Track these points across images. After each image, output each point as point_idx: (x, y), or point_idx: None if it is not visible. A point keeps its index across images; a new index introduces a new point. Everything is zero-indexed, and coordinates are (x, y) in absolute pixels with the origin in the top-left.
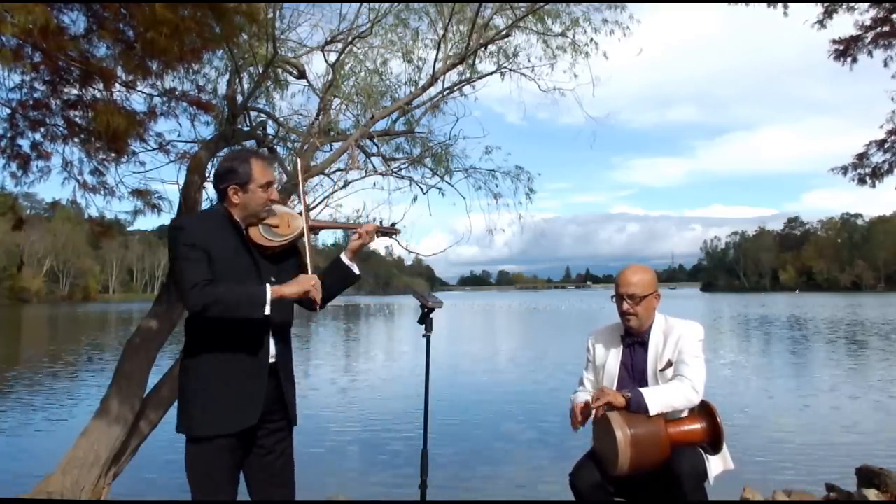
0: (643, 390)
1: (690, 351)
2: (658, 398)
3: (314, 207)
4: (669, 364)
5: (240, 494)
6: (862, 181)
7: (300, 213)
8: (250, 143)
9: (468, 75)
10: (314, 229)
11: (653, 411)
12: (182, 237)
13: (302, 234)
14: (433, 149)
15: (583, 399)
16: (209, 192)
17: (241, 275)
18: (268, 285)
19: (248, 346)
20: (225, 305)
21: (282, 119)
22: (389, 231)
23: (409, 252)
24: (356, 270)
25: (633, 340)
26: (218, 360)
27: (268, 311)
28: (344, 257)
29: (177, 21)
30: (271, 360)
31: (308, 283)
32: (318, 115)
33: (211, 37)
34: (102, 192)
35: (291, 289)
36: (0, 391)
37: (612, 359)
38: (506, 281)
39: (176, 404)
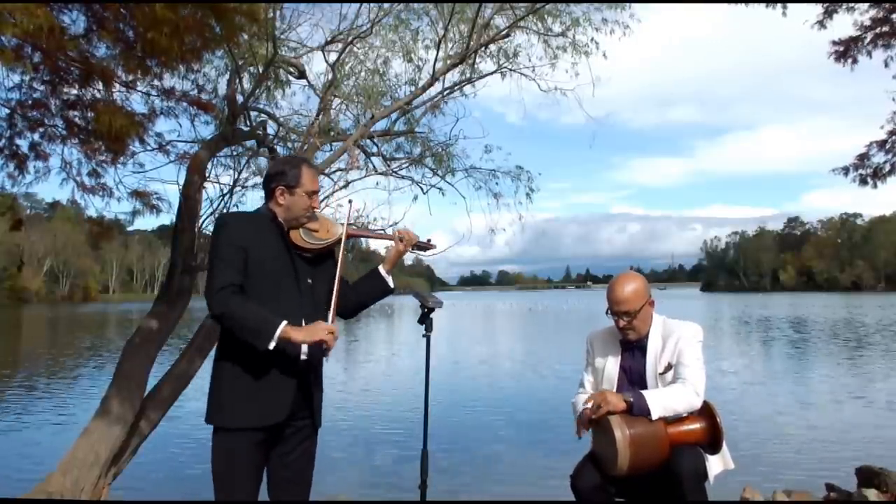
0: (645, 393)
1: (690, 352)
2: (660, 402)
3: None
4: (669, 367)
5: (262, 494)
6: (863, 182)
7: (341, 223)
8: (250, 143)
9: (468, 75)
10: (351, 237)
11: (655, 415)
12: (224, 235)
13: (339, 241)
14: (433, 149)
15: (584, 402)
16: (209, 193)
17: (278, 274)
18: (284, 323)
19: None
20: (236, 323)
21: (282, 119)
22: (425, 246)
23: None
24: (391, 283)
25: (632, 344)
26: (251, 355)
27: (271, 346)
28: (382, 269)
29: (177, 21)
30: (303, 357)
31: (323, 332)
32: (318, 114)
33: (211, 37)
34: (101, 194)
35: (302, 335)
36: (0, 391)
37: (611, 362)
38: (506, 281)
39: (175, 404)
